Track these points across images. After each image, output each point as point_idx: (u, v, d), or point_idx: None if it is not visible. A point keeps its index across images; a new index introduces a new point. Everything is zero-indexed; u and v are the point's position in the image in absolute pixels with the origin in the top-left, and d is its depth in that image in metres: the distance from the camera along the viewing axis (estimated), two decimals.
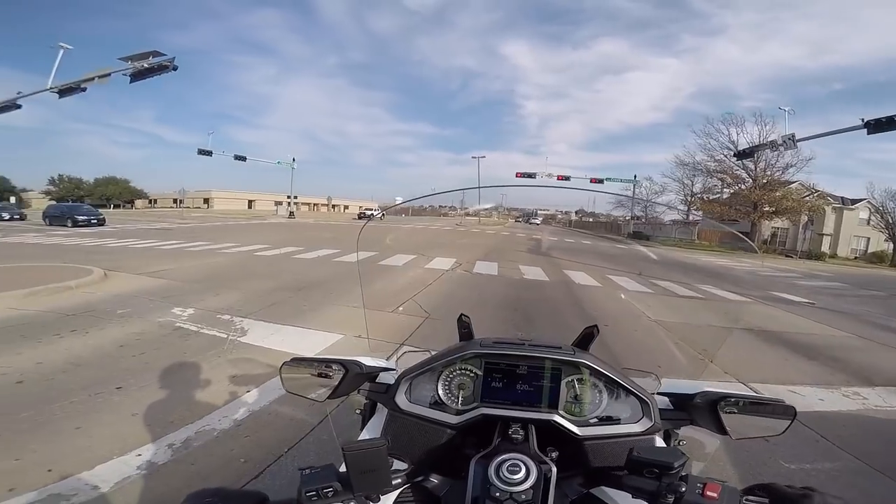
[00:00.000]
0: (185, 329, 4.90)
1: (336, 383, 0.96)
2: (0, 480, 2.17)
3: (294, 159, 43.64)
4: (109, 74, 14.73)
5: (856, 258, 37.55)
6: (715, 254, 29.60)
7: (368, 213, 44.58)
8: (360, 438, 0.96)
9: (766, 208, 35.92)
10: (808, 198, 36.28)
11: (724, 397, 0.89)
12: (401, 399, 0.98)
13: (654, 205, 50.43)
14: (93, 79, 14.85)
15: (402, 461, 0.83)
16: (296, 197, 46.01)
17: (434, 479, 0.88)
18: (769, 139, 23.42)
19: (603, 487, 0.84)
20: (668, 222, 47.73)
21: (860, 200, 39.90)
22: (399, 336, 4.86)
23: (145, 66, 14.60)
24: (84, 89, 15.22)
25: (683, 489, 0.64)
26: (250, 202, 64.28)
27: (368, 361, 1.06)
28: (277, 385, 3.49)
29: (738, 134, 36.56)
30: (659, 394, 1.02)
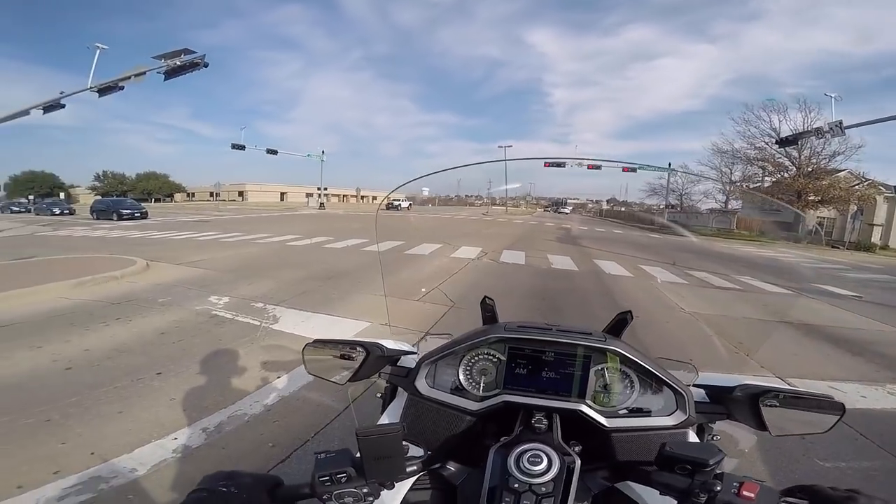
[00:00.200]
0: (221, 317, 5.08)
1: (357, 366, 0.95)
2: (46, 464, 2.31)
3: (323, 152, 44.40)
4: (145, 73, 15.23)
5: None
6: (755, 243, 28.41)
7: (396, 202, 44.82)
8: (379, 423, 0.95)
9: (812, 197, 34.20)
10: (857, 186, 34.30)
11: (767, 391, 0.83)
12: (421, 384, 0.95)
13: (690, 192, 48.46)
14: (129, 77, 15.39)
15: (419, 448, 0.81)
16: (326, 188, 46.74)
17: (451, 467, 0.85)
18: (814, 126, 22.17)
19: (629, 483, 0.80)
20: (705, 211, 46.05)
21: None
22: (424, 325, 4.89)
23: (178, 63, 15.01)
24: (122, 88, 15.81)
25: (718, 488, 0.60)
26: (282, 194, 65.89)
27: (390, 344, 1.04)
28: (306, 372, 3.59)
29: (780, 121, 34.73)
30: (694, 386, 0.96)
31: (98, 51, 16.10)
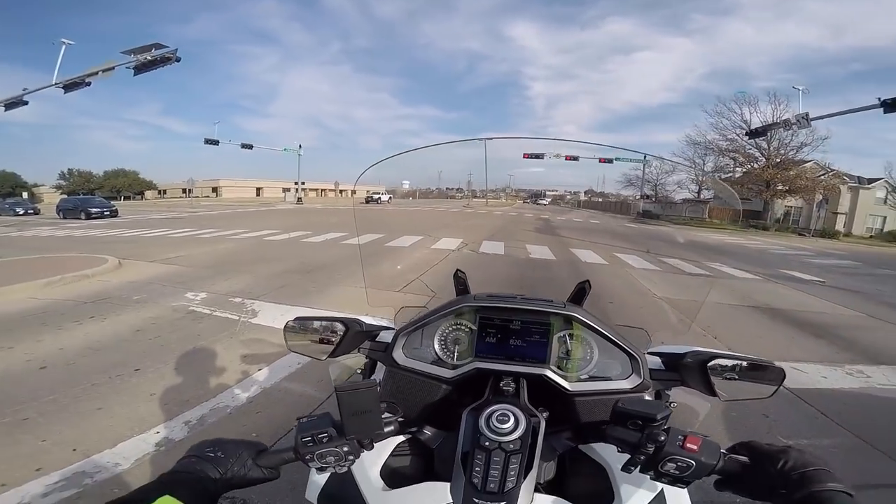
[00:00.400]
0: (199, 312, 5.03)
1: (337, 342, 0.98)
2: (27, 462, 2.29)
3: (300, 146, 43.67)
4: (113, 68, 14.78)
5: (871, 237, 36.80)
6: (726, 231, 29.28)
7: (375, 196, 44.57)
8: None
9: (780, 187, 35.38)
10: (822, 177, 35.63)
11: (714, 357, 0.88)
12: (398, 354, 0.98)
13: (664, 182, 49.57)
14: (97, 73, 14.92)
15: (396, 411, 0.83)
16: (303, 183, 46.02)
17: (428, 431, 0.90)
18: (783, 118, 22.85)
19: (592, 445, 0.86)
20: (678, 201, 47.19)
21: (878, 180, 39.01)
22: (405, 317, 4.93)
23: (148, 58, 14.63)
24: (89, 84, 15.32)
25: (662, 438, 0.65)
26: (258, 190, 64.53)
27: (368, 320, 1.07)
28: (287, 363, 3.61)
29: (750, 113, 35.92)
30: (651, 354, 1.02)
31: (63, 46, 15.51)
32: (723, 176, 40.58)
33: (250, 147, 39.49)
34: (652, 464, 0.65)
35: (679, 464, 0.64)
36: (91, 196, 32.15)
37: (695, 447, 0.64)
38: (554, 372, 0.91)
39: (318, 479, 0.85)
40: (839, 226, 36.12)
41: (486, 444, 0.72)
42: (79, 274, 6.76)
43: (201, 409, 2.87)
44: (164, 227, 15.98)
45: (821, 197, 33.99)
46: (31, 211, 28.33)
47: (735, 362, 0.88)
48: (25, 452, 2.37)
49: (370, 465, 0.83)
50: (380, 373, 1.05)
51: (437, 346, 0.98)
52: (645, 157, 41.58)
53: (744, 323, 5.91)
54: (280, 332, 1.06)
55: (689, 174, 43.38)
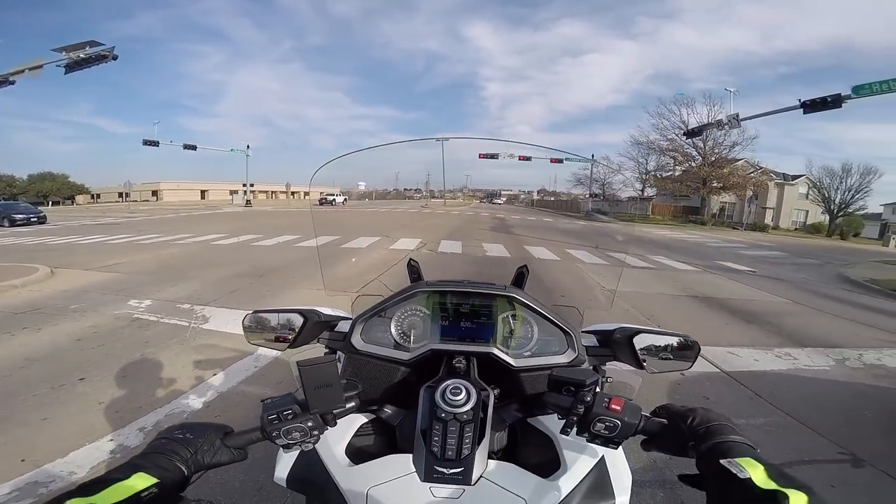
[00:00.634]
0: (144, 320, 4.81)
1: (296, 333, 1.03)
2: None
3: (248, 146, 41.97)
4: (42, 66, 13.66)
5: (796, 230, 40.14)
6: (668, 227, 30.99)
7: (330, 198, 43.63)
8: None
9: (715, 184, 37.76)
10: (752, 174, 38.35)
11: (639, 332, 1.00)
12: (356, 340, 1.03)
13: (611, 181, 51.73)
14: (22, 71, 13.73)
15: (356, 387, 0.86)
16: (252, 185, 44.35)
17: (388, 410, 0.98)
18: (716, 119, 24.31)
19: (539, 418, 0.96)
20: (624, 199, 49.38)
21: (800, 176, 42.56)
22: None
23: (82, 56, 13.64)
24: (12, 82, 14.09)
25: (588, 399, 0.73)
26: (203, 192, 61.39)
27: (327, 311, 1.12)
28: (244, 367, 3.55)
29: (688, 114, 37.88)
30: (588, 332, 1.13)
31: None
32: (663, 174, 42.91)
33: (194, 148, 37.59)
34: (584, 425, 0.74)
35: (607, 424, 0.72)
36: (14, 201, 29.44)
37: (618, 408, 0.73)
38: (500, 350, 1.00)
39: (286, 460, 0.88)
40: (768, 220, 39.17)
41: (443, 415, 0.79)
42: (5, 284, 6.25)
43: (155, 416, 2.78)
44: (100, 233, 14.96)
45: (751, 193, 36.64)
46: None
47: (658, 338, 1.00)
48: None
49: (335, 444, 0.88)
50: (341, 363, 1.09)
51: (394, 331, 1.05)
52: (593, 156, 43.24)
53: (684, 311, 6.34)
54: (235, 337, 1.09)
55: (634, 173, 45.54)
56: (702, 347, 1.01)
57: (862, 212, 40.59)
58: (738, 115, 19.03)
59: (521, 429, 0.98)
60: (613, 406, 0.73)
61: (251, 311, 1.06)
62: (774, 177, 41.56)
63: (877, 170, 39.01)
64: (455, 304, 1.06)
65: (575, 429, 0.75)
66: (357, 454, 0.90)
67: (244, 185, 42.77)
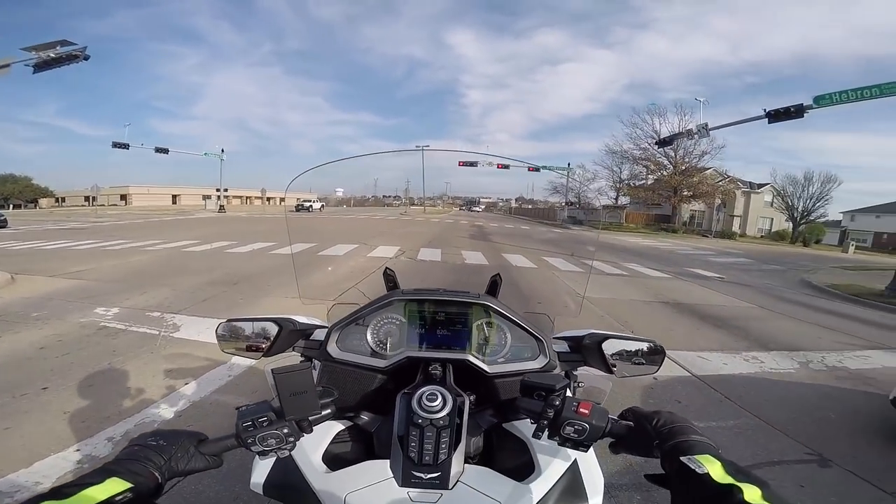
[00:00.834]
0: (112, 328, 4.64)
1: (271, 341, 1.02)
2: None
3: (223, 150, 41.11)
4: (9, 65, 13.07)
5: (762, 237, 41.71)
6: (640, 235, 31.71)
7: (307, 204, 43.04)
8: None
9: (685, 193, 38.90)
10: (720, 183, 39.71)
11: (607, 337, 1.04)
12: (332, 348, 1.04)
13: (586, 190, 52.73)
14: None
15: (331, 394, 0.86)
16: (226, 190, 43.36)
17: (365, 417, 0.98)
18: (687, 128, 25.01)
19: (514, 423, 0.98)
20: (599, 207, 50.38)
21: (765, 185, 44.29)
22: None
23: (52, 55, 13.14)
24: None
25: (557, 403, 0.75)
26: (174, 197, 59.62)
27: (302, 319, 1.12)
28: (218, 376, 3.46)
29: (660, 124, 39.05)
30: (559, 339, 1.16)
31: None
32: (637, 183, 43.98)
33: (166, 151, 36.49)
34: (555, 429, 0.76)
35: (576, 427, 0.74)
36: None
37: (587, 412, 0.75)
38: (475, 357, 1.02)
39: (262, 467, 0.88)
40: (735, 227, 40.62)
41: (419, 421, 0.80)
42: None
43: (125, 425, 2.69)
44: (65, 238, 14.37)
45: (719, 201, 37.86)
46: None
47: (626, 343, 1.04)
48: None
49: (312, 451, 0.88)
50: (315, 369, 1.09)
51: (370, 339, 1.06)
52: (569, 165, 44.02)
53: (656, 318, 6.50)
54: (208, 346, 1.08)
55: (609, 181, 46.57)
56: (673, 352, 1.05)
57: (823, 219, 42.61)
58: (707, 125, 19.60)
59: (497, 434, 1.00)
60: (582, 410, 0.75)
61: (225, 320, 1.06)
62: (741, 185, 43.14)
63: (836, 178, 41.12)
64: (431, 312, 1.07)
65: (546, 432, 0.77)
66: (334, 461, 0.90)
67: (218, 190, 41.78)
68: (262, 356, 1.04)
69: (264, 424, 0.72)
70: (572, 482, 0.85)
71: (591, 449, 0.79)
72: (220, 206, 39.53)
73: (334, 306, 1.28)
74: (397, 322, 1.07)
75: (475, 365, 1.01)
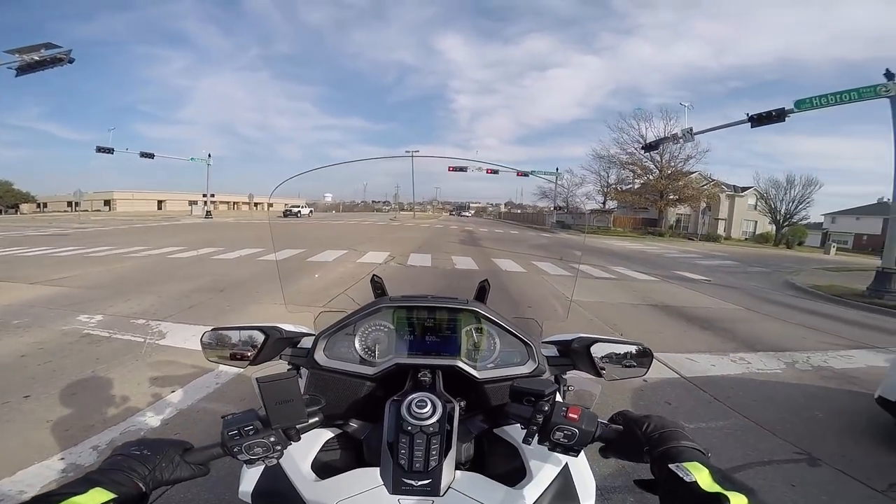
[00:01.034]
0: (95, 335, 4.55)
1: (257, 350, 1.01)
2: None
3: (210, 155, 40.64)
4: None
5: (746, 239, 42.41)
6: (628, 238, 32.06)
7: (295, 209, 42.75)
8: None
9: (671, 196, 39.47)
10: (705, 186, 40.35)
11: (596, 341, 1.04)
12: (319, 356, 1.03)
13: (574, 194, 53.18)
14: None
15: (319, 402, 0.86)
16: (213, 195, 42.87)
17: (354, 424, 0.97)
18: (672, 133, 25.36)
19: (505, 429, 0.97)
20: (587, 211, 50.85)
21: (749, 188, 45.08)
22: None
23: (36, 58, 12.88)
24: None
25: (546, 409, 0.75)
26: (160, 203, 58.74)
27: (288, 327, 1.11)
28: (205, 384, 3.41)
29: (646, 128, 39.60)
30: (548, 343, 1.16)
31: None
32: (624, 187, 44.49)
33: (151, 156, 36.02)
34: (544, 434, 0.76)
35: (565, 432, 0.74)
36: None
37: (576, 416, 0.75)
38: (464, 363, 1.02)
39: (250, 476, 0.86)
40: (721, 230, 41.24)
41: (409, 428, 0.79)
42: None
43: (110, 433, 2.63)
44: (46, 244, 14.07)
45: (705, 205, 38.43)
46: None
47: (614, 346, 1.05)
48: None
49: (300, 459, 0.87)
50: (303, 378, 1.07)
51: (358, 347, 1.05)
52: (557, 169, 44.38)
53: (644, 320, 6.56)
54: (194, 354, 1.06)
55: (596, 186, 47.02)
56: (662, 354, 1.05)
57: (805, 221, 43.47)
58: (692, 129, 19.90)
59: (487, 439, 1.00)
60: (571, 415, 0.75)
61: (210, 328, 1.04)
62: (726, 189, 43.87)
63: (817, 181, 41.94)
64: (419, 319, 1.07)
65: (536, 438, 0.77)
66: (324, 469, 0.89)
67: (204, 196, 41.30)
68: (249, 364, 1.02)
69: (250, 433, 0.71)
70: (564, 486, 0.85)
71: (583, 452, 0.78)
72: (207, 211, 39.03)
73: (321, 314, 1.27)
74: (385, 329, 1.07)
75: (464, 371, 1.00)
